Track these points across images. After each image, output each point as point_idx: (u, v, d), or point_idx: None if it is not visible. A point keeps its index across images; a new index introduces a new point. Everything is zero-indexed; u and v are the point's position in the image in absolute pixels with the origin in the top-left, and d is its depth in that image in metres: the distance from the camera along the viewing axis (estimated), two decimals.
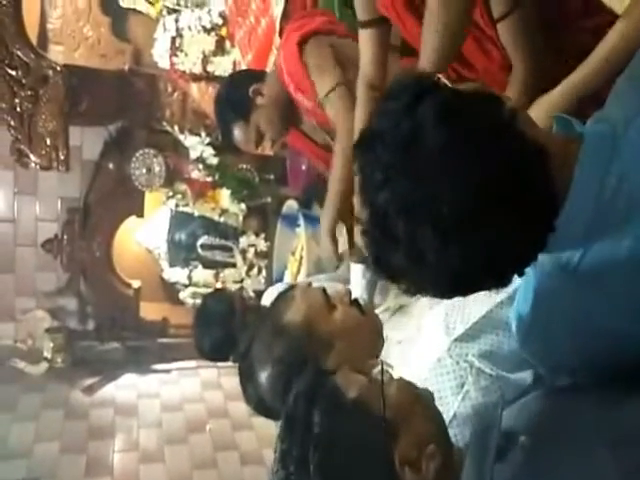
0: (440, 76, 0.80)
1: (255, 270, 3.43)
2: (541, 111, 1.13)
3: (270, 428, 2.95)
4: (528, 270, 0.77)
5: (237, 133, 2.08)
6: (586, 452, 0.70)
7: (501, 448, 0.79)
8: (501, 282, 0.76)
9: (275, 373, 1.21)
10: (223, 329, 2.00)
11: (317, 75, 1.77)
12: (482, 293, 0.80)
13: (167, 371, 3.63)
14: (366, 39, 1.46)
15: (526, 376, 1.06)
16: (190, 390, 3.50)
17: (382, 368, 0.89)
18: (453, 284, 0.76)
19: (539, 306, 0.84)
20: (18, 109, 3.21)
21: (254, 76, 2.18)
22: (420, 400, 0.88)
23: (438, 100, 0.72)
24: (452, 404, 1.11)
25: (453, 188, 0.69)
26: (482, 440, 0.81)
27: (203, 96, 3.25)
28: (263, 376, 1.23)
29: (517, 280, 0.79)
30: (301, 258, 2.87)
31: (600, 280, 0.74)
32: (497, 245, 0.71)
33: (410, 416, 0.83)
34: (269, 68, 2.47)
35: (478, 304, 1.18)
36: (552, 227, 0.72)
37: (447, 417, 1.03)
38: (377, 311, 1.66)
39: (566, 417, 0.78)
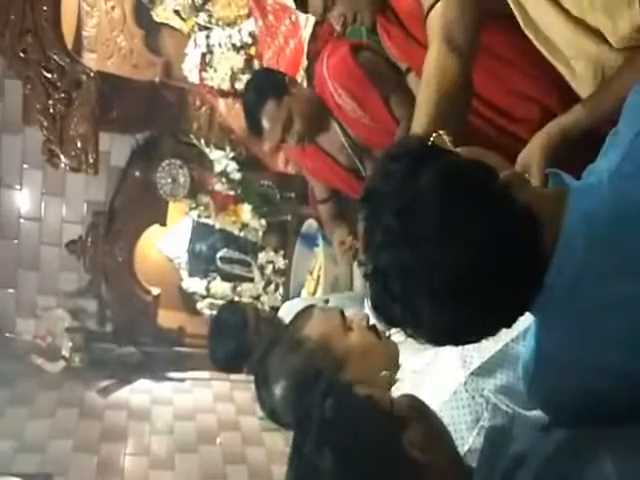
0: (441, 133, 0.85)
1: (272, 286, 3.46)
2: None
3: (279, 445, 3.00)
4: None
5: (268, 109, 2.05)
6: None
7: (509, 469, 0.82)
8: (490, 334, 0.82)
9: (288, 385, 1.26)
10: (236, 340, 2.07)
11: None
12: None
13: (181, 380, 3.66)
14: None
15: (542, 415, 1.04)
16: (202, 400, 3.52)
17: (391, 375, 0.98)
18: (445, 339, 0.83)
19: (542, 351, 0.86)
20: (51, 110, 3.26)
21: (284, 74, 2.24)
22: (427, 409, 0.93)
23: (437, 172, 0.77)
24: (467, 439, 1.10)
25: (448, 258, 0.74)
26: (490, 460, 0.85)
27: (230, 112, 3.31)
28: (277, 387, 1.28)
29: (530, 317, 0.83)
30: (318, 278, 2.92)
31: (596, 319, 0.77)
32: (486, 308, 0.77)
33: (416, 421, 0.88)
34: None
35: (494, 338, 1.18)
36: (540, 286, 0.76)
37: (461, 451, 1.04)
38: (394, 331, 1.69)
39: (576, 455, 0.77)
